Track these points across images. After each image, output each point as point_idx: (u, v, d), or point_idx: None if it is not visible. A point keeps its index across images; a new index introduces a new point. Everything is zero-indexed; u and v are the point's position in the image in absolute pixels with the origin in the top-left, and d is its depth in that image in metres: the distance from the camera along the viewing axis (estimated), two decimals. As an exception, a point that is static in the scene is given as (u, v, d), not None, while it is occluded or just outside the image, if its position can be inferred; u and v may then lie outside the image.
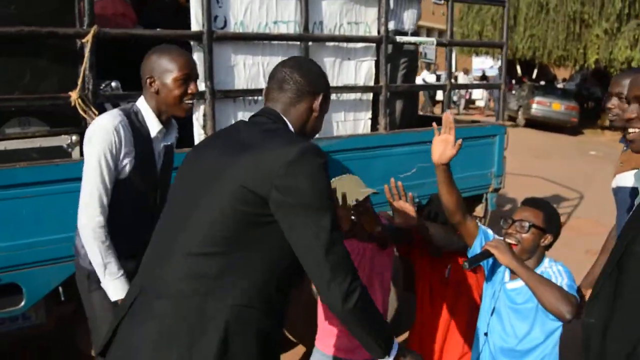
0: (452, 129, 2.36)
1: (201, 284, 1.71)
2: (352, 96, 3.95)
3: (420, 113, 5.50)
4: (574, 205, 8.74)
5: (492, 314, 2.53)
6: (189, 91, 2.46)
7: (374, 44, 3.96)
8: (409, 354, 1.95)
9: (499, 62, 22.17)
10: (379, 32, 3.93)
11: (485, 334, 2.55)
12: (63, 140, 2.99)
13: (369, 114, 4.07)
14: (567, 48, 16.72)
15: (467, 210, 2.60)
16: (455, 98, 21.70)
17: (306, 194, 1.68)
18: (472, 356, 2.67)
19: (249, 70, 3.43)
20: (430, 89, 5.13)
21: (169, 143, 2.60)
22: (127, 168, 2.43)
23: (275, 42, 3.51)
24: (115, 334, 1.82)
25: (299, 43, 3.57)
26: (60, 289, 3.08)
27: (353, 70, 3.91)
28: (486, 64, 22.79)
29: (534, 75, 23.46)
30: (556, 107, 16.90)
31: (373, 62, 3.99)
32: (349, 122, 3.97)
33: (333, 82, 3.83)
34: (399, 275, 4.00)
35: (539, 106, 17.12)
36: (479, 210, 4.79)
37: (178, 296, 1.71)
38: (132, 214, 2.50)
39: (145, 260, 1.89)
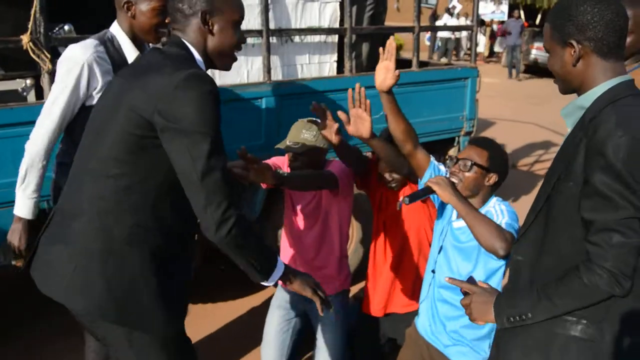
0: (392, 56, 2.37)
1: (102, 204, 1.81)
2: (316, 38, 3.94)
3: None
4: (563, 150, 8.73)
5: (439, 252, 2.57)
6: (166, 21, 2.49)
7: (339, -15, 3.92)
8: (298, 276, 2.04)
9: (501, 7, 21.85)
10: (342, -28, 3.89)
11: (433, 272, 2.60)
12: (18, 84, 3.03)
13: (335, 57, 4.07)
14: (567, -8, 16.34)
15: (418, 142, 2.59)
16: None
17: (187, 119, 1.72)
18: (421, 293, 2.72)
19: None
20: (397, 31, 5.04)
21: None
22: None
23: (234, -17, 3.48)
24: (36, 250, 1.95)
25: (258, -16, 3.54)
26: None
27: (317, 12, 3.88)
28: (487, 9, 22.34)
29: (537, 21, 23.07)
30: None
31: (338, 4, 3.96)
32: (314, 64, 3.97)
33: (296, 24, 3.82)
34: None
35: (539, 52, 16.83)
36: (452, 153, 4.82)
37: (83, 215, 1.82)
38: None
39: (67, 182, 1.98)
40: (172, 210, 1.86)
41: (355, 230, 4.22)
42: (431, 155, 2.63)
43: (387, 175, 2.89)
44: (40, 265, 1.90)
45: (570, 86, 1.80)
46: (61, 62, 2.44)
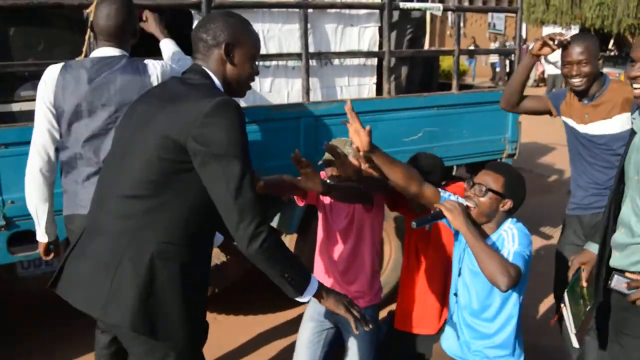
0: (354, 118, 2.31)
1: (131, 223, 1.93)
2: (355, 61, 4.08)
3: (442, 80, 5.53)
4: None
5: (459, 275, 2.61)
6: None
7: (377, 10, 4.05)
8: (332, 295, 2.11)
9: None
10: (382, -2, 4.02)
11: (455, 294, 2.63)
12: (72, 101, 3.29)
13: (374, 79, 4.18)
14: (638, 16, 15.96)
15: (422, 180, 2.57)
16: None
17: (218, 143, 1.86)
18: (448, 313, 2.76)
19: (249, 37, 3.62)
20: (433, 54, 5.20)
21: None
22: None
23: (275, 9, 3.68)
24: (63, 269, 2.07)
25: (298, 10, 3.71)
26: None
27: (356, 37, 4.02)
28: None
29: (610, 46, 22.49)
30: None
31: (377, 29, 4.09)
32: (353, 86, 4.10)
33: (336, 48, 3.97)
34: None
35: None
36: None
37: (112, 233, 1.95)
38: None
39: (91, 202, 2.14)
40: (200, 229, 1.99)
41: (393, 248, 4.30)
42: (439, 189, 2.63)
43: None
44: (69, 282, 2.02)
45: None
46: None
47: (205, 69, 2.08)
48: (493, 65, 19.95)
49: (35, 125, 2.73)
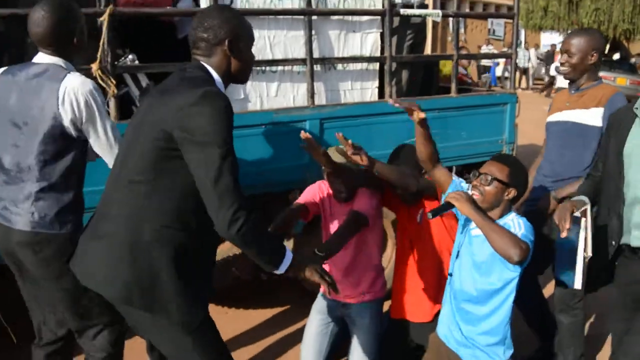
0: (412, 104, 2.69)
1: (132, 207, 2.09)
2: (358, 66, 4.21)
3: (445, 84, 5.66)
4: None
5: (457, 257, 2.73)
6: None
7: (379, 17, 4.19)
8: (305, 265, 2.25)
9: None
10: (383, 5, 4.15)
11: (450, 275, 2.76)
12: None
13: (376, 83, 4.32)
14: (633, 21, 16.17)
15: (438, 160, 2.84)
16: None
17: (200, 131, 1.97)
18: (443, 296, 2.87)
19: (256, 43, 3.75)
20: (433, 59, 5.31)
21: None
22: None
23: (280, 16, 3.82)
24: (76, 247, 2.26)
25: (303, 17, 3.85)
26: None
27: (359, 42, 4.16)
28: (555, 40, 22.16)
29: (606, 51, 22.63)
30: (621, 82, 16.37)
31: (378, 34, 4.23)
32: (356, 90, 4.23)
33: (339, 54, 4.11)
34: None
35: (603, 81, 16.58)
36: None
37: (113, 216, 2.12)
38: None
39: (105, 186, 2.29)
40: (195, 214, 2.10)
41: (393, 242, 4.41)
42: (453, 174, 2.83)
43: (399, 190, 3.11)
44: (80, 259, 2.20)
45: None
46: (94, 95, 2.52)
47: (204, 64, 2.20)
48: (480, 68, 20.21)
49: None
